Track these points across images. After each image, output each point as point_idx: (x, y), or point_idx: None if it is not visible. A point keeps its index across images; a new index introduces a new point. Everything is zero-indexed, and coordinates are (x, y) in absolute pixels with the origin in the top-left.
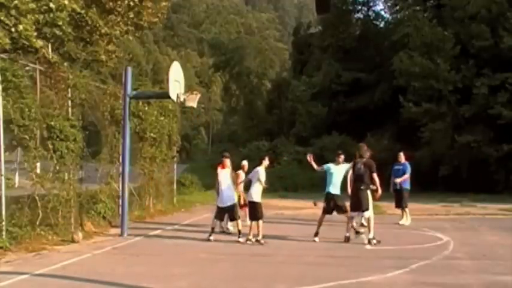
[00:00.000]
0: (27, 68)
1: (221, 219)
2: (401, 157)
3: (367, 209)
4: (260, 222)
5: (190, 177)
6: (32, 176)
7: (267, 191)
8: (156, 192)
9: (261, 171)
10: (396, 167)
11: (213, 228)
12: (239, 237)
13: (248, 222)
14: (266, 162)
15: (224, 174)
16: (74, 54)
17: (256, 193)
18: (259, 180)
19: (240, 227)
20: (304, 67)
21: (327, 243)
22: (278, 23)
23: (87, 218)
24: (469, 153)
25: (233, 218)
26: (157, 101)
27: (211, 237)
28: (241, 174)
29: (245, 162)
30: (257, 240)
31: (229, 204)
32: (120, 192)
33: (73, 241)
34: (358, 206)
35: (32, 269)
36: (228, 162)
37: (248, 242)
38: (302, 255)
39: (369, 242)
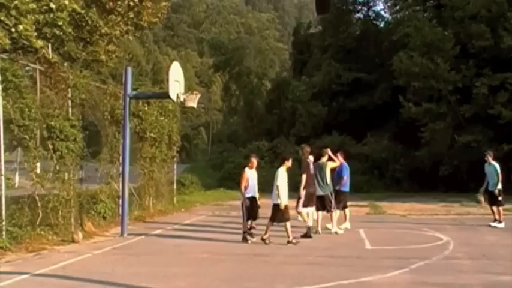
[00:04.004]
0: (27, 68)
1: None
2: (340, 157)
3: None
4: (270, 223)
5: (190, 177)
6: (32, 176)
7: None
8: (156, 192)
9: (279, 173)
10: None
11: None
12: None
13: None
14: (288, 163)
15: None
16: (74, 54)
17: (274, 195)
18: (276, 182)
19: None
20: (304, 67)
21: (327, 243)
22: (278, 23)
23: (87, 218)
24: (469, 153)
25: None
26: (157, 101)
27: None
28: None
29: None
30: (262, 239)
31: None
32: (120, 192)
33: (73, 241)
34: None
35: (32, 269)
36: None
37: (266, 241)
38: (302, 255)
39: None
